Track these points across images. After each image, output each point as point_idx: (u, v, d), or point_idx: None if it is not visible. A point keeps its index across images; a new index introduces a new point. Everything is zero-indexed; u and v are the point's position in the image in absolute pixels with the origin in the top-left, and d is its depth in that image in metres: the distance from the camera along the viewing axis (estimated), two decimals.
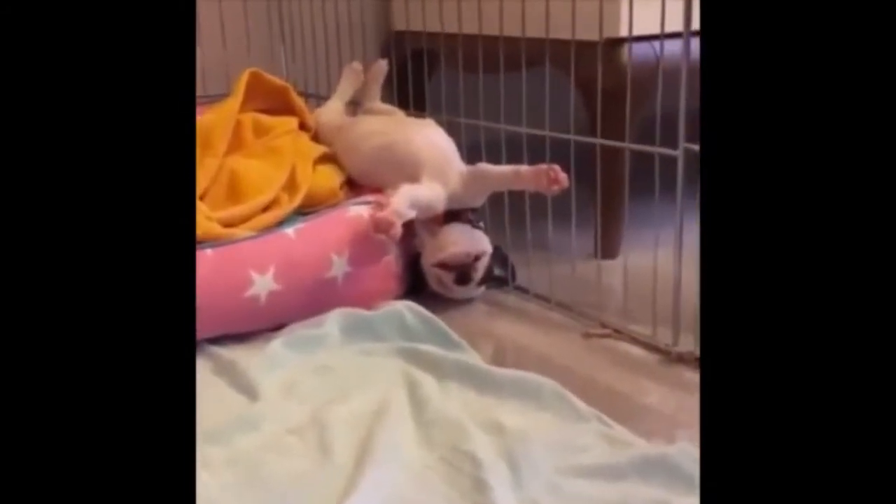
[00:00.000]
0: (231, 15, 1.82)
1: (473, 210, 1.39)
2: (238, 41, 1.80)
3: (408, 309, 1.20)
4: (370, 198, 1.31)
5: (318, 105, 1.68)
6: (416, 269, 1.34)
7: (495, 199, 1.38)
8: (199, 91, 1.79)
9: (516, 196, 1.33)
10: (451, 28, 1.45)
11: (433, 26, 1.51)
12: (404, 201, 1.23)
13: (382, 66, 1.63)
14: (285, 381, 1.08)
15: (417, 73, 1.71)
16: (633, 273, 1.23)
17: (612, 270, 1.36)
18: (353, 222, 1.26)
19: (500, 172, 1.30)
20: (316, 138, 1.51)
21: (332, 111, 1.57)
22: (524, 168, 1.27)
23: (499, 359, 1.15)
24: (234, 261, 1.17)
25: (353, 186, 1.43)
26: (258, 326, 1.21)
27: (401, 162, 1.34)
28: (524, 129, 1.30)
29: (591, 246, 1.47)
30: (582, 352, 1.17)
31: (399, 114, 1.56)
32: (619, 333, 1.19)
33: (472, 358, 1.11)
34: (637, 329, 1.18)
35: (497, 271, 1.38)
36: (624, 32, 1.20)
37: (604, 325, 1.22)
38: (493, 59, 1.34)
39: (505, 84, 1.32)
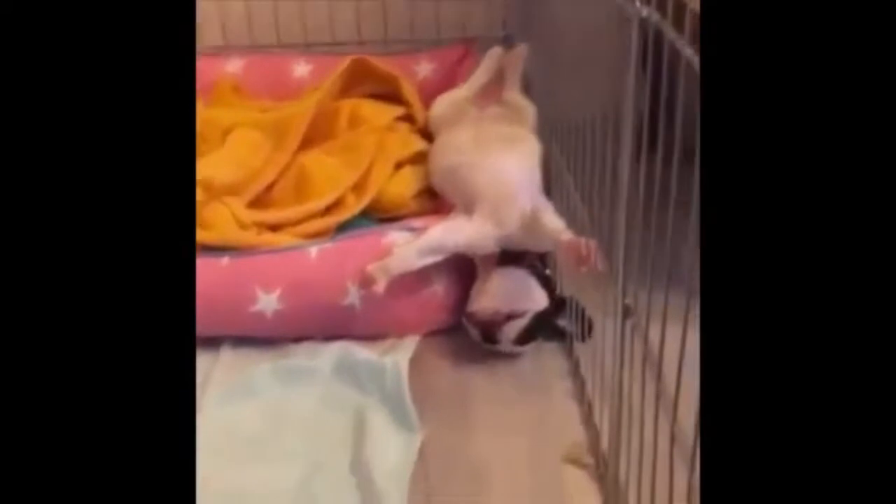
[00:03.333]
0: None
1: (542, 255, 1.21)
2: None
3: (391, 368, 1.11)
4: (416, 223, 1.20)
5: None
6: None
7: None
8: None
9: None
10: None
11: None
12: (415, 252, 1.11)
13: (521, 51, 1.42)
14: (232, 418, 1.07)
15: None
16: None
17: None
18: (383, 250, 1.16)
19: (548, 227, 1.10)
20: (426, 131, 1.39)
21: (447, 103, 1.42)
22: (566, 235, 1.06)
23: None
24: (244, 274, 1.16)
25: (434, 196, 1.31)
26: (271, 336, 1.20)
27: (460, 190, 1.20)
28: None
29: None
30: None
31: (526, 112, 1.36)
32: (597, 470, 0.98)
33: (409, 452, 1.01)
34: None
35: (562, 323, 1.20)
36: None
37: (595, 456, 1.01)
38: None
39: None
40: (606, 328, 0.93)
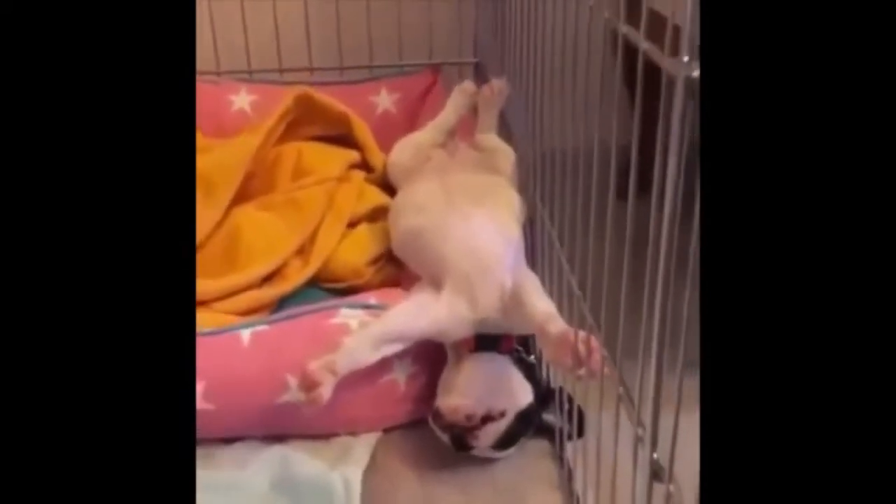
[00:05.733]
0: None
1: (525, 338, 1.00)
2: None
3: (343, 486, 0.89)
4: (372, 300, 0.98)
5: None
6: None
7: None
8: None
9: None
10: None
11: None
12: (367, 344, 0.90)
13: (499, 86, 1.21)
14: None
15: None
16: None
17: None
18: (330, 334, 0.94)
19: (532, 312, 0.89)
20: (385, 182, 1.18)
21: (410, 147, 1.20)
22: (556, 325, 0.85)
23: None
24: None
25: (395, 261, 1.10)
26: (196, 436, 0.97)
27: (426, 257, 0.99)
28: None
29: None
30: None
31: (501, 156, 1.15)
32: None
33: None
34: None
35: (549, 418, 1.00)
36: None
37: None
38: None
39: None
40: (620, 451, 0.72)
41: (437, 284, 0.96)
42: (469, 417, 0.93)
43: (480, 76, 1.54)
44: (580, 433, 0.96)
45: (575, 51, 0.82)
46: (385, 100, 1.48)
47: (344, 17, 1.56)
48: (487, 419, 0.94)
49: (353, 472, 0.91)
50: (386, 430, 1.04)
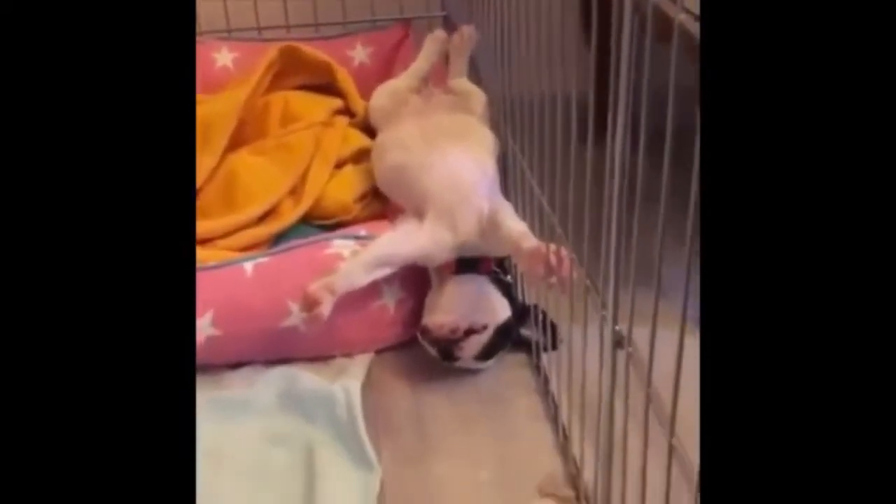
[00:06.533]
0: None
1: (501, 259, 1.11)
2: None
3: (343, 397, 0.99)
4: (362, 231, 1.08)
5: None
6: None
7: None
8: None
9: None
10: None
11: None
12: (361, 267, 0.99)
13: (468, 33, 1.30)
14: None
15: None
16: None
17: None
18: (325, 263, 1.04)
19: (507, 232, 0.99)
20: (367, 125, 1.27)
21: (388, 92, 1.29)
22: (529, 241, 0.95)
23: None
24: None
25: (380, 197, 1.19)
26: (204, 363, 1.06)
27: (409, 190, 1.09)
28: None
29: None
30: None
31: (474, 99, 1.24)
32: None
33: (367, 495, 0.90)
34: None
35: (526, 333, 1.10)
36: None
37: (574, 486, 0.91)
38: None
39: None
40: (588, 343, 0.82)
41: (420, 214, 1.06)
42: (454, 331, 1.03)
43: (449, 28, 1.62)
44: (554, 345, 1.07)
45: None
46: (360, 53, 1.56)
47: None
48: (470, 332, 1.04)
49: (353, 384, 1.02)
50: (378, 352, 1.14)
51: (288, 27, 1.64)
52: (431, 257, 1.05)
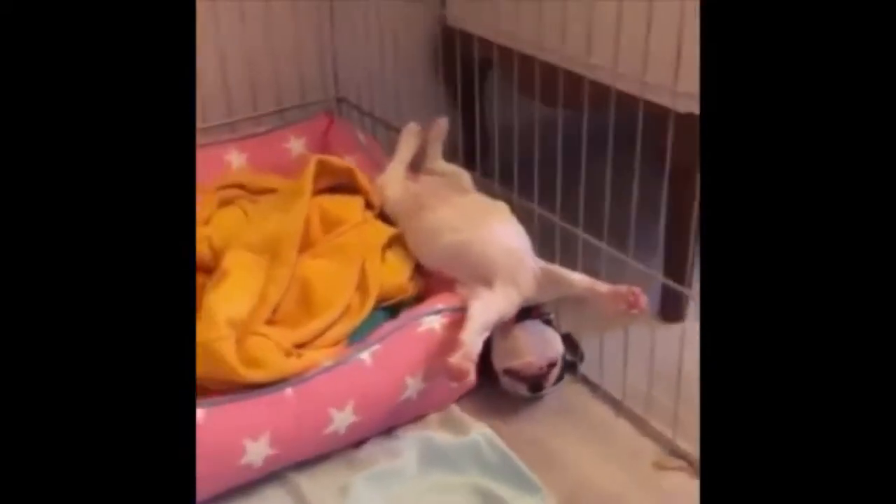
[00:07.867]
0: (279, 19, 1.77)
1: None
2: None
3: (486, 441, 1.21)
4: (440, 305, 1.29)
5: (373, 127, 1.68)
6: (485, 360, 1.33)
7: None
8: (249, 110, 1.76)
9: None
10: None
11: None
12: (476, 335, 1.21)
13: (443, 124, 1.56)
14: None
15: (467, 82, 1.58)
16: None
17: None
18: (426, 339, 1.25)
19: (577, 283, 1.27)
20: (382, 213, 1.48)
21: (394, 182, 1.52)
22: (603, 286, 1.24)
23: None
24: (313, 400, 1.17)
25: (423, 272, 1.41)
26: (335, 450, 1.22)
27: (474, 265, 1.32)
28: None
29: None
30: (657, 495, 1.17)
31: (464, 177, 1.50)
32: (692, 467, 1.20)
33: None
34: None
35: (568, 357, 1.38)
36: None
37: (676, 454, 1.23)
38: (551, 89, 1.31)
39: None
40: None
41: (487, 282, 1.29)
42: (540, 368, 1.29)
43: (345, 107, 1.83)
44: (581, 359, 1.37)
45: None
46: (296, 144, 1.73)
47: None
48: (551, 366, 1.30)
49: (485, 430, 1.23)
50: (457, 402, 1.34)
51: (206, 130, 1.74)
52: (508, 315, 1.29)
